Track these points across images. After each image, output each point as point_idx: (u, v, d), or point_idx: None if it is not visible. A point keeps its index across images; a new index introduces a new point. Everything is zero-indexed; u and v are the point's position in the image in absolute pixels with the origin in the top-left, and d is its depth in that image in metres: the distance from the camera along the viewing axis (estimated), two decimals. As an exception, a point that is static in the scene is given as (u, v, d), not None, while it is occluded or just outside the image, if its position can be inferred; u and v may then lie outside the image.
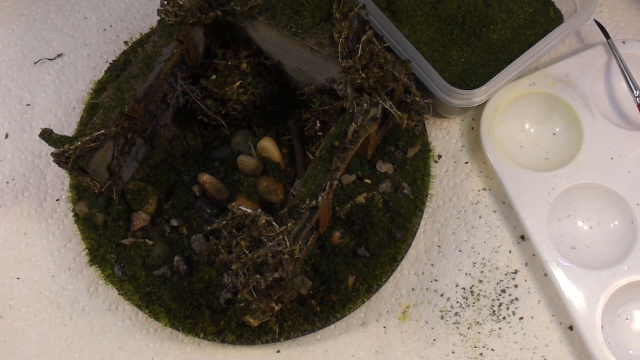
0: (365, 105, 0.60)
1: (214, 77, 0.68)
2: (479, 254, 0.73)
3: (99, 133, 0.59)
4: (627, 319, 0.69)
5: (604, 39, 0.78)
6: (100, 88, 0.77)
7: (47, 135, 0.59)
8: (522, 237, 0.73)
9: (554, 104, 0.76)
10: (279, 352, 0.70)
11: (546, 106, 0.76)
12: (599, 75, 0.78)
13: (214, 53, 0.69)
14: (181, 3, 0.62)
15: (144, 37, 0.80)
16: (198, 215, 0.71)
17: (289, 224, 0.56)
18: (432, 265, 0.73)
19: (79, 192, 0.72)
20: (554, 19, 0.77)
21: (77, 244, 0.74)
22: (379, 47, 0.60)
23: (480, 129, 0.75)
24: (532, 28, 0.76)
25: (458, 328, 0.70)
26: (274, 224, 0.55)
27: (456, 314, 0.71)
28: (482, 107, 0.75)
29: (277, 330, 0.66)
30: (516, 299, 0.71)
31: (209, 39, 0.68)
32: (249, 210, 0.56)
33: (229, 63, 0.68)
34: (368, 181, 0.72)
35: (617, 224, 0.72)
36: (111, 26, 0.84)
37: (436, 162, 0.77)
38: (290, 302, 0.65)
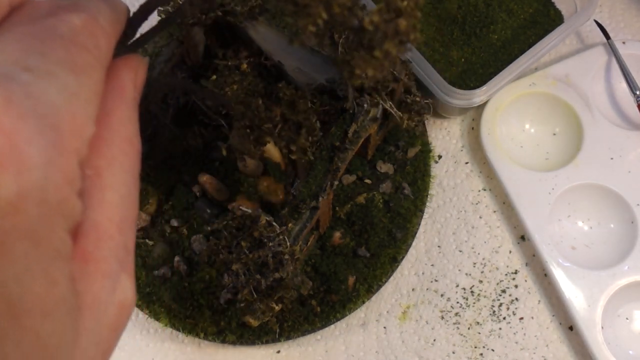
0: (365, 105, 0.60)
1: (214, 77, 0.68)
2: (479, 254, 0.73)
3: (99, 133, 0.59)
4: (627, 319, 0.69)
5: (604, 39, 0.78)
6: (100, 88, 0.77)
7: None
8: (522, 237, 0.73)
9: (554, 104, 0.76)
10: (279, 352, 0.70)
11: (546, 106, 0.76)
12: (599, 75, 0.78)
13: (214, 53, 0.69)
14: (181, 3, 0.62)
15: (144, 37, 0.80)
16: (198, 215, 0.71)
17: (289, 224, 0.56)
18: (432, 265, 0.73)
19: (79, 192, 0.72)
20: (554, 19, 0.77)
21: (77, 244, 0.74)
22: (379, 47, 0.60)
23: (480, 129, 0.75)
24: (532, 28, 0.76)
25: (458, 328, 0.70)
26: (274, 224, 0.55)
27: (456, 314, 0.71)
28: (482, 107, 0.75)
29: (277, 330, 0.66)
30: (516, 299, 0.71)
31: (209, 39, 0.68)
32: (249, 210, 0.56)
33: (229, 63, 0.68)
34: (368, 181, 0.72)
35: (617, 224, 0.72)
36: (111, 26, 0.84)
37: (436, 162, 0.77)
38: (290, 302, 0.65)
